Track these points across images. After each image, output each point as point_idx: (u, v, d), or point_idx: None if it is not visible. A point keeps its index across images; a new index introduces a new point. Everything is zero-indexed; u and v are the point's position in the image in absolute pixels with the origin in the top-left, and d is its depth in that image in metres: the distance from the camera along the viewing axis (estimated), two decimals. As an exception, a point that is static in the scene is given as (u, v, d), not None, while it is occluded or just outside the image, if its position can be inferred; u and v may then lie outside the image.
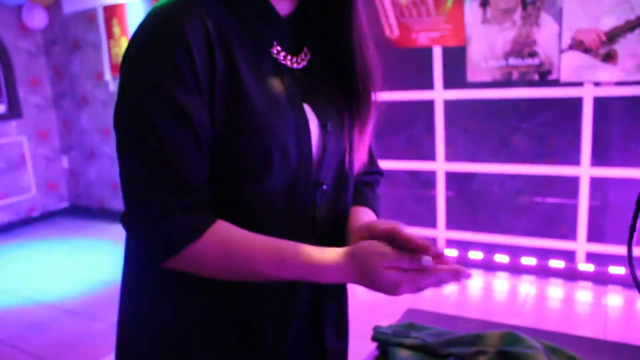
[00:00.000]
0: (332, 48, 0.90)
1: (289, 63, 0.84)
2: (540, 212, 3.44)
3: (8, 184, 5.29)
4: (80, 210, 5.67)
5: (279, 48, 0.83)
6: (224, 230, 0.76)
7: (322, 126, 0.85)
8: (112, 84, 5.00)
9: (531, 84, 3.18)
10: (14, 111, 5.31)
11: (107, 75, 4.99)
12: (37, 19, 5.16)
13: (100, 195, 5.47)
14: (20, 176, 5.39)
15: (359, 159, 0.94)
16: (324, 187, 0.86)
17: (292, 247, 0.77)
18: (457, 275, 0.74)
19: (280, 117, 0.78)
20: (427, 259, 0.73)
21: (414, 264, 0.73)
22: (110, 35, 4.84)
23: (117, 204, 5.32)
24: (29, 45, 5.40)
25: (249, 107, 0.75)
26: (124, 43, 4.72)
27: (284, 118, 0.78)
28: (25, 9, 5.12)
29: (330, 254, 0.77)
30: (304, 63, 0.87)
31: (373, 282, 0.76)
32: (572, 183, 3.24)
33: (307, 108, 0.84)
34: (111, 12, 4.77)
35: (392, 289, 0.75)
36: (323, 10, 0.88)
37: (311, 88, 0.86)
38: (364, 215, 0.94)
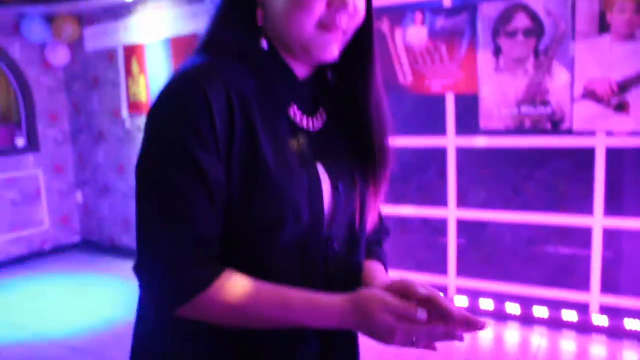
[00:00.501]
0: (348, 109, 0.93)
1: (305, 125, 0.88)
2: (552, 262, 3.39)
3: (22, 216, 5.35)
4: (92, 245, 5.69)
5: (296, 109, 0.87)
6: (232, 280, 0.79)
7: (334, 187, 0.88)
8: (129, 122, 5.09)
9: (544, 132, 3.18)
10: (33, 145, 5.40)
11: (124, 113, 5.08)
12: (60, 56, 5.30)
13: (112, 231, 5.50)
14: (35, 209, 5.45)
15: (371, 218, 0.98)
16: (335, 244, 0.88)
17: (297, 291, 0.80)
18: (472, 325, 0.75)
19: (294, 178, 0.81)
20: (422, 312, 0.74)
21: (409, 313, 0.74)
22: (129, 73, 4.95)
23: (128, 240, 5.34)
24: (50, 81, 5.54)
25: (265, 167, 0.79)
26: (142, 82, 4.82)
27: (298, 179, 0.82)
28: (49, 47, 5.27)
29: (333, 298, 0.80)
30: (319, 124, 0.91)
31: (369, 327, 0.77)
32: (585, 233, 3.20)
33: (320, 168, 0.87)
34: (131, 52, 4.90)
35: (386, 335, 0.76)
36: (340, 73, 0.92)
37: (325, 148, 0.89)
38: (377, 271, 0.97)
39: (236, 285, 0.79)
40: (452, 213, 3.48)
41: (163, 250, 0.77)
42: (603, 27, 2.91)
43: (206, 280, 0.77)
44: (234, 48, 0.84)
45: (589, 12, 2.93)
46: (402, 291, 0.78)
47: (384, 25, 3.41)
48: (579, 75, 3.02)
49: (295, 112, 0.87)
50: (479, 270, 3.54)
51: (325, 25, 0.82)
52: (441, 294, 0.78)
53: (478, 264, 3.57)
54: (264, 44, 0.84)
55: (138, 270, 0.80)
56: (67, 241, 5.74)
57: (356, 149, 0.93)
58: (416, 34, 3.33)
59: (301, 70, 0.88)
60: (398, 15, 3.37)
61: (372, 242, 1.03)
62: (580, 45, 2.98)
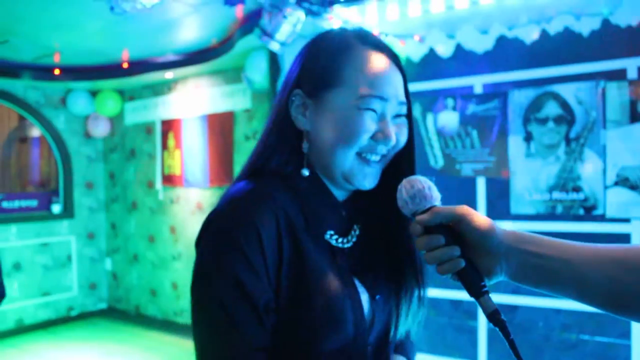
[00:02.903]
0: (382, 225, 0.98)
1: (340, 245, 0.92)
2: (588, 351, 3.27)
3: (52, 281, 5.42)
4: (117, 313, 5.70)
5: (332, 232, 0.92)
6: None
7: (372, 297, 0.92)
8: (162, 193, 5.21)
9: (576, 218, 3.16)
10: (68, 212, 5.55)
11: (158, 184, 5.22)
12: (101, 128, 5.54)
13: (138, 299, 5.52)
14: (64, 274, 5.53)
15: (406, 324, 0.99)
16: (369, 349, 0.92)
17: None
18: None
19: (336, 294, 0.86)
20: None
21: None
22: (165, 146, 5.12)
23: (154, 309, 5.33)
24: (89, 151, 5.76)
25: (311, 284, 0.84)
26: (177, 155, 4.98)
27: (340, 294, 0.86)
28: (92, 119, 5.51)
29: None
30: (353, 240, 0.95)
31: None
32: (624, 322, 3.10)
33: (357, 282, 0.91)
34: (168, 126, 5.09)
35: None
36: (373, 194, 0.95)
37: (360, 263, 0.93)
38: None
39: None
40: (483, 296, 3.41)
41: None
42: (634, 116, 2.95)
43: None
44: (280, 174, 0.90)
45: (620, 102, 2.98)
46: None
47: (415, 110, 3.51)
48: (611, 162, 3.03)
49: (331, 235, 0.92)
50: (510, 356, 3.43)
51: (366, 158, 0.88)
52: None
53: (509, 350, 3.46)
54: (306, 172, 0.90)
55: None
56: (94, 307, 5.77)
57: (390, 259, 0.97)
58: (448, 118, 3.41)
59: (340, 194, 0.94)
60: (430, 100, 3.47)
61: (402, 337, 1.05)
62: (611, 133, 3.01)
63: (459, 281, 0.78)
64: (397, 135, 0.89)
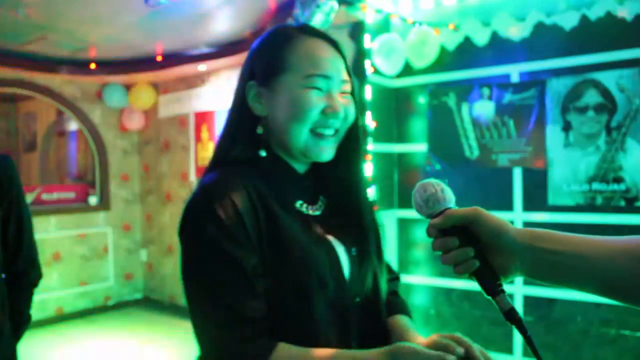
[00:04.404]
0: (342, 193, 1.08)
1: (310, 212, 1.03)
2: (629, 346, 3.19)
3: (89, 271, 5.55)
4: (152, 303, 5.80)
5: (301, 202, 1.02)
6: (284, 352, 0.89)
7: (349, 251, 1.02)
8: (196, 185, 5.27)
9: (617, 209, 3.07)
10: (104, 204, 5.67)
11: (192, 176, 5.28)
12: (135, 121, 5.62)
13: (172, 290, 5.61)
14: (102, 265, 5.65)
15: (383, 275, 1.10)
16: (357, 299, 1.01)
17: (343, 352, 0.90)
18: None
19: (314, 253, 0.95)
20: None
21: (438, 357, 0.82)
22: (198, 139, 5.18)
23: (188, 299, 5.41)
24: (124, 144, 5.86)
25: (289, 248, 0.93)
26: (210, 147, 5.02)
27: (317, 252, 0.96)
28: (126, 112, 5.61)
29: (374, 352, 0.88)
30: (322, 208, 1.06)
31: None
32: (665, 317, 3.01)
33: (332, 239, 1.01)
34: (202, 118, 5.14)
35: None
36: (332, 164, 1.05)
37: (332, 225, 1.04)
38: (406, 326, 1.07)
39: (291, 356, 0.89)
40: (518, 289, 3.36)
41: (219, 333, 0.88)
42: (679, 104, 2.84)
43: (262, 355, 0.88)
44: (243, 158, 1.00)
45: (664, 89, 2.87)
46: (442, 348, 0.86)
47: (450, 100, 3.45)
48: (654, 151, 2.93)
49: (300, 204, 1.02)
50: (547, 350, 3.37)
51: (320, 132, 0.98)
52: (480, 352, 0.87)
53: (546, 344, 3.40)
54: (263, 152, 1.00)
55: (202, 356, 0.93)
56: (130, 297, 5.88)
57: (354, 225, 1.06)
58: (483, 108, 3.35)
59: (300, 167, 1.05)
60: (465, 90, 3.41)
61: (388, 294, 1.14)
62: (655, 122, 2.91)
63: (475, 281, 0.80)
64: (345, 110, 1.00)
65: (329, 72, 0.98)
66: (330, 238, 1.01)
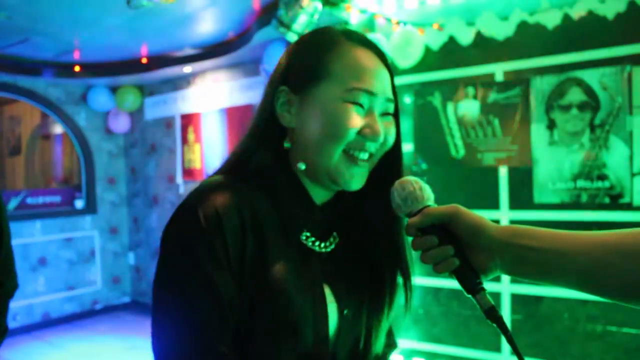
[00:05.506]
0: (362, 231, 0.95)
1: (317, 248, 0.89)
2: (615, 342, 3.21)
3: (76, 275, 5.50)
4: (141, 307, 5.77)
5: (308, 234, 0.89)
6: None
7: (340, 311, 0.88)
8: (183, 187, 5.25)
9: (602, 207, 3.09)
10: (91, 207, 5.62)
11: (179, 179, 5.25)
12: (121, 123, 5.59)
13: (161, 292, 5.57)
14: (89, 269, 5.61)
15: (379, 341, 0.96)
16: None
17: None
18: None
19: (299, 300, 0.83)
20: None
21: None
22: (185, 141, 5.15)
23: (177, 302, 5.39)
24: (110, 146, 5.82)
25: (270, 287, 0.81)
26: (197, 149, 5.00)
27: (302, 301, 0.83)
28: (112, 115, 5.57)
29: None
30: (331, 247, 0.92)
31: None
32: (650, 313, 3.04)
33: (327, 290, 0.88)
34: (188, 120, 5.11)
35: None
36: (358, 199, 0.92)
37: (335, 271, 0.90)
38: None
39: None
40: (505, 287, 3.37)
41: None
42: (661, 101, 2.87)
43: None
44: (257, 173, 0.87)
45: (646, 87, 2.90)
46: None
47: (435, 99, 3.46)
48: (638, 149, 2.95)
49: (307, 237, 0.89)
50: (534, 348, 3.39)
51: (353, 155, 0.85)
52: None
53: (533, 341, 3.42)
54: (302, 166, 0.87)
55: None
56: (118, 301, 5.84)
57: (369, 271, 0.94)
58: (468, 107, 3.36)
59: (319, 196, 0.91)
60: (450, 89, 3.42)
61: (379, 357, 1.02)
62: (638, 119, 2.93)
63: (455, 279, 0.79)
64: (385, 134, 0.86)
65: (375, 88, 0.84)
66: (326, 289, 0.88)
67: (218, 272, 0.78)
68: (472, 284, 0.77)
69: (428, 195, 0.82)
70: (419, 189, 0.81)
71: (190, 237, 0.79)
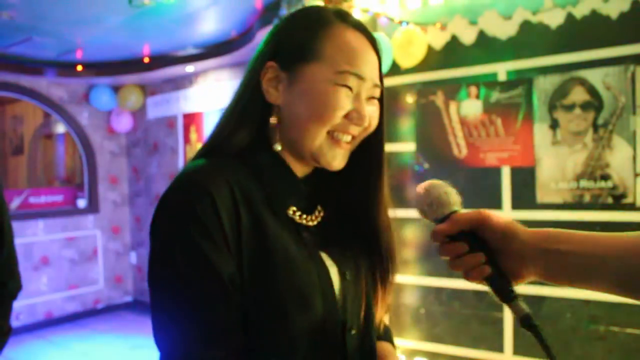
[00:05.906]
0: (351, 207, 0.96)
1: (304, 222, 0.90)
2: (618, 342, 3.20)
3: (78, 275, 5.50)
4: (143, 306, 5.77)
5: (294, 209, 0.89)
6: None
7: (342, 274, 0.89)
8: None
9: (605, 207, 3.08)
10: (93, 206, 5.63)
11: (181, 177, 5.25)
12: (123, 123, 5.59)
13: (163, 291, 5.57)
14: (91, 268, 5.61)
15: (379, 312, 0.99)
16: (352, 332, 0.89)
17: None
18: None
19: (302, 270, 0.82)
20: None
21: None
22: (187, 140, 5.15)
23: (179, 301, 5.39)
24: (113, 146, 5.82)
25: (272, 260, 0.80)
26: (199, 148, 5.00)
27: (306, 270, 0.83)
28: (114, 114, 5.57)
29: None
30: (317, 220, 0.93)
31: None
32: (653, 313, 3.02)
33: (325, 257, 0.88)
34: (190, 119, 5.11)
35: None
36: (337, 174, 0.92)
37: (327, 240, 0.91)
38: (390, 354, 1.00)
39: None
40: (508, 287, 3.37)
41: (186, 349, 0.76)
42: (665, 101, 2.86)
43: None
44: (239, 151, 0.87)
45: (650, 87, 2.89)
46: None
47: (438, 99, 3.45)
48: (640, 149, 2.94)
49: (294, 211, 0.89)
50: (537, 348, 3.37)
51: (337, 137, 0.85)
52: None
53: (536, 341, 3.41)
54: (278, 147, 0.88)
55: None
56: (120, 300, 5.85)
57: (358, 239, 0.95)
58: (471, 107, 3.35)
59: (300, 170, 0.91)
60: (453, 89, 3.41)
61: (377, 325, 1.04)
62: (641, 119, 2.92)
63: (488, 286, 0.76)
64: (370, 119, 0.87)
65: (364, 72, 0.85)
66: (323, 255, 0.88)
67: (216, 253, 0.76)
68: (505, 292, 0.74)
69: (455, 200, 0.79)
70: (445, 193, 0.79)
71: (182, 221, 0.77)
